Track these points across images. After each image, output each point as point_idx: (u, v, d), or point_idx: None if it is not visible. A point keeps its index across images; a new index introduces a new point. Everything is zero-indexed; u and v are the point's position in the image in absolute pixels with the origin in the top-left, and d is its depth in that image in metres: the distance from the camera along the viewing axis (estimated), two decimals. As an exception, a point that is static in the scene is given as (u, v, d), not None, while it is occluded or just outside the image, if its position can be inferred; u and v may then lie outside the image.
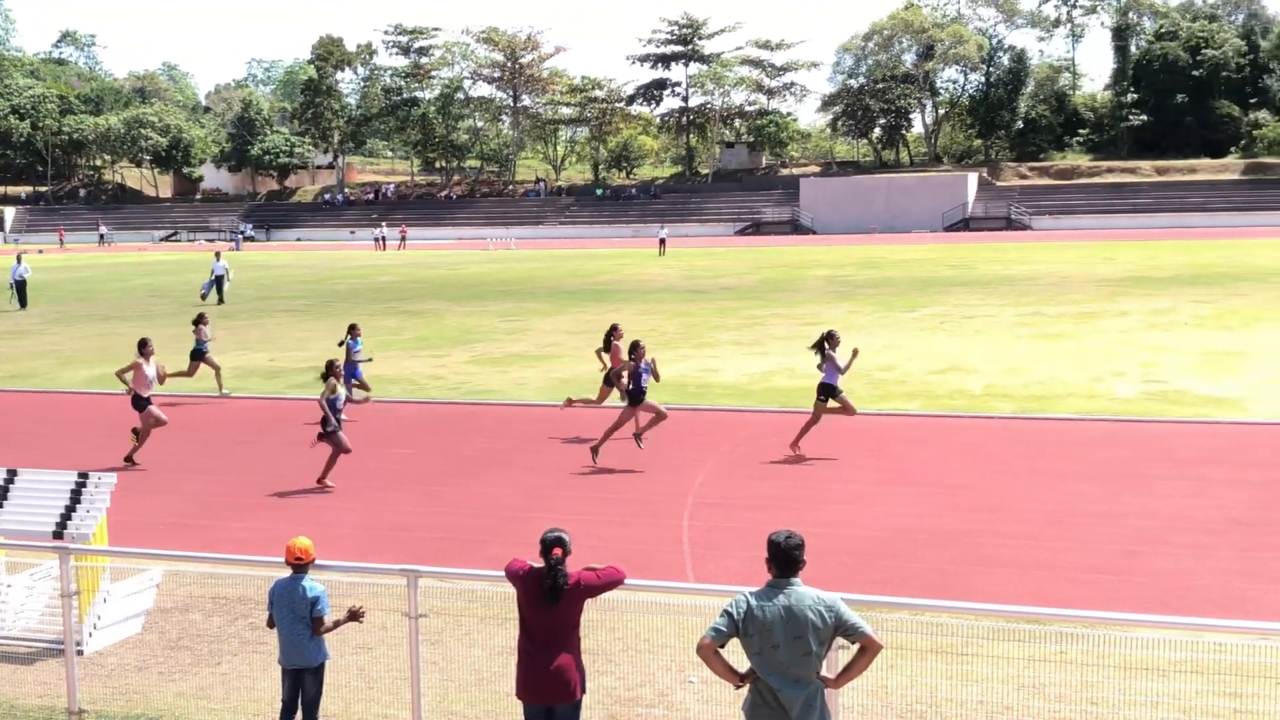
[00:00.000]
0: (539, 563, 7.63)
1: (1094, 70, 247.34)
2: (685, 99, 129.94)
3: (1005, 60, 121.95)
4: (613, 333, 20.23)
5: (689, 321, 36.83)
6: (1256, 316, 33.56)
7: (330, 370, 16.80)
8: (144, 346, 19.07)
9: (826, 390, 17.97)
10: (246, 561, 11.09)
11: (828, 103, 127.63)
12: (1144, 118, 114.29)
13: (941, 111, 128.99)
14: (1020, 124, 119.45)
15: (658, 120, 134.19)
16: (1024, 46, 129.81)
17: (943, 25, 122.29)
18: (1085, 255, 62.38)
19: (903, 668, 9.46)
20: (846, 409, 18.10)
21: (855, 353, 18.34)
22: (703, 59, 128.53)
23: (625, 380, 18.08)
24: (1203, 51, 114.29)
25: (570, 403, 20.45)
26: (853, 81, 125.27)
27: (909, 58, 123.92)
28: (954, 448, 18.45)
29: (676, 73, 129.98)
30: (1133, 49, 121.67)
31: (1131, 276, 48.02)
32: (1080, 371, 25.04)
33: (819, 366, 18.13)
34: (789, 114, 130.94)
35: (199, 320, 25.62)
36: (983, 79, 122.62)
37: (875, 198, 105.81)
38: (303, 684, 8.65)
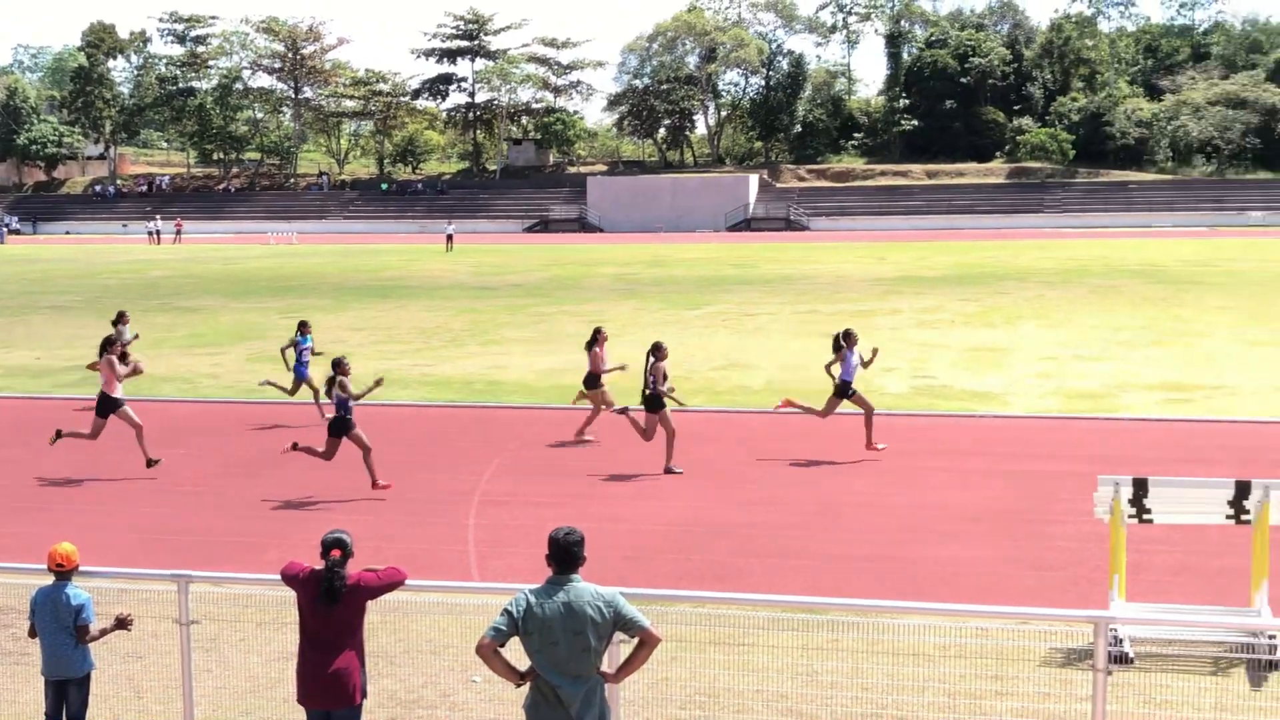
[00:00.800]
0: (320, 565, 7.51)
1: (869, 76, 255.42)
2: (472, 95, 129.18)
3: (784, 64, 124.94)
4: (595, 337, 19.27)
5: (476, 319, 36.66)
6: (1018, 314, 35.22)
7: (339, 368, 15.78)
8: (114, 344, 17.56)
9: (844, 389, 17.74)
10: (6, 569, 10.58)
11: (614, 102, 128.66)
12: (915, 122, 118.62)
13: (724, 113, 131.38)
14: (799, 127, 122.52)
15: (444, 115, 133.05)
16: (802, 51, 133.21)
17: (724, 28, 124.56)
18: (860, 255, 64.41)
19: (684, 660, 9.63)
20: (864, 407, 17.78)
21: (875, 351, 18.32)
22: (489, 55, 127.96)
23: (663, 385, 17.00)
24: (970, 59, 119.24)
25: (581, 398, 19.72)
26: (638, 82, 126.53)
27: (692, 60, 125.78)
28: (734, 442, 18.84)
29: (463, 68, 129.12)
30: (905, 56, 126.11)
31: (903, 276, 49.79)
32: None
33: (828, 368, 17.97)
34: (576, 112, 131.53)
35: None
36: (763, 82, 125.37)
37: (661, 197, 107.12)
38: (67, 696, 8.32)
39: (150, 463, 17.06)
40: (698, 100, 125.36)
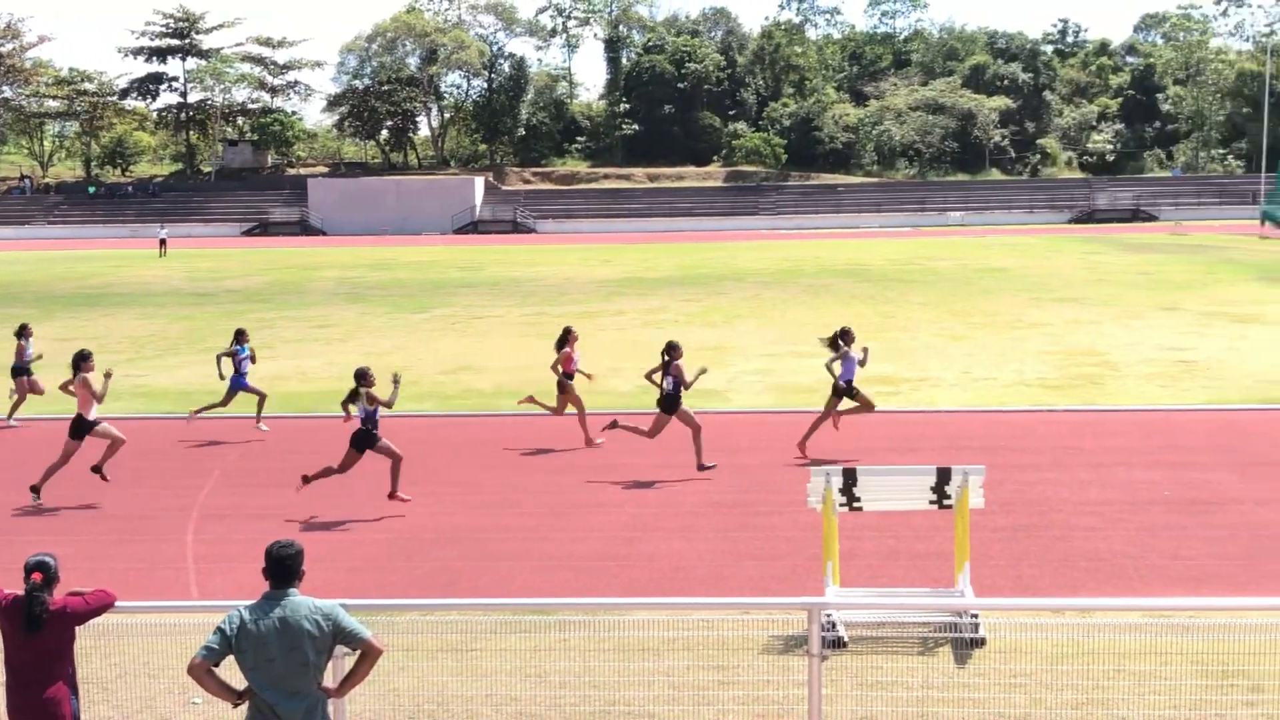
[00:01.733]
0: (22, 591, 7.11)
1: (590, 80, 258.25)
2: (184, 95, 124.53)
3: (506, 67, 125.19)
4: (566, 337, 18.89)
5: (193, 325, 35.34)
6: (737, 313, 36.28)
7: (364, 379, 14.80)
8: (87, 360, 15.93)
9: (845, 389, 17.61)
10: None
11: (333, 103, 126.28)
12: (636, 127, 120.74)
13: (447, 115, 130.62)
14: (522, 130, 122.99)
15: (155, 116, 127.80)
16: (524, 55, 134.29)
17: (445, 30, 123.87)
18: (586, 258, 65.09)
19: (412, 669, 9.52)
20: (865, 406, 17.78)
21: (866, 351, 17.97)
22: (201, 54, 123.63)
23: (688, 380, 16.91)
24: (687, 65, 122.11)
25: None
26: (358, 83, 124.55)
27: (413, 61, 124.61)
28: (463, 446, 18.75)
29: (174, 67, 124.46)
30: (624, 61, 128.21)
31: (628, 278, 50.58)
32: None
33: (829, 365, 17.71)
34: (294, 113, 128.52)
35: None
36: (485, 85, 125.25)
37: (385, 199, 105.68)
38: None
39: (97, 469, 15.81)
40: (420, 102, 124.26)
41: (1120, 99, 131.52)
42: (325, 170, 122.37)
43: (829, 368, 17.78)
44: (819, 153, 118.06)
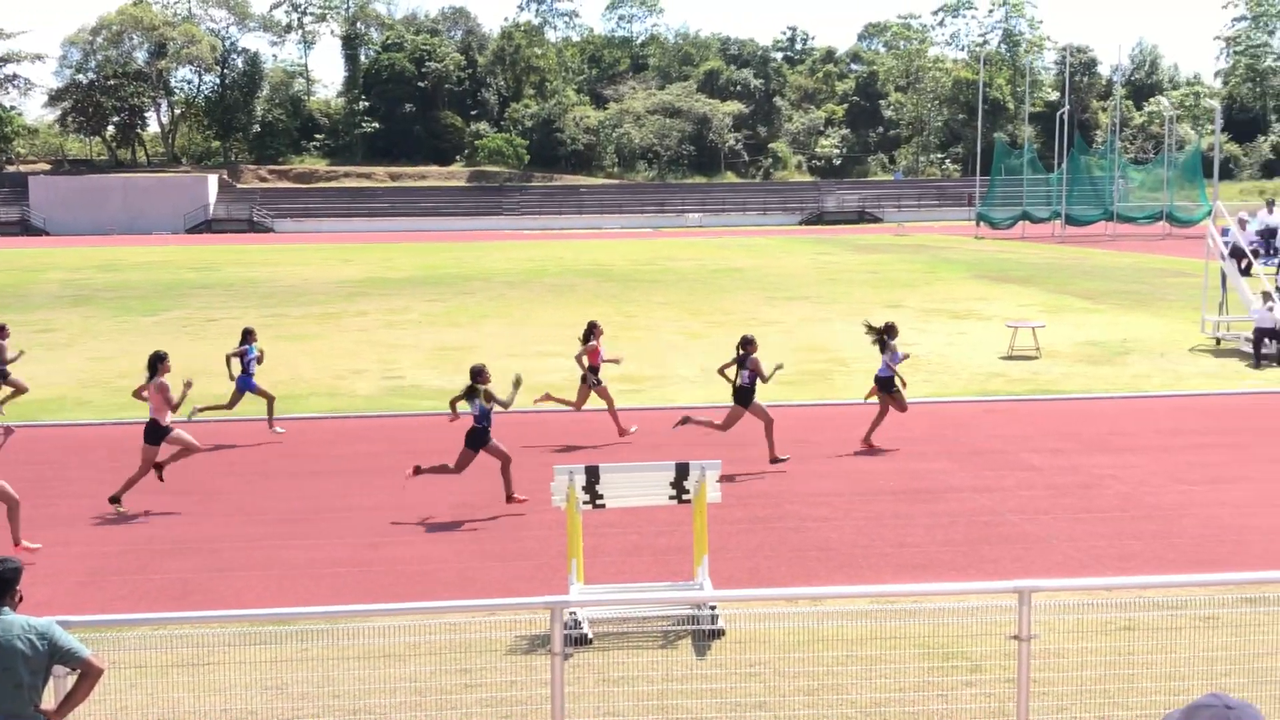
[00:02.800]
0: None
1: (328, 77, 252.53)
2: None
3: (239, 63, 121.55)
4: (592, 330, 18.73)
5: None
6: (482, 313, 36.18)
7: (480, 376, 14.59)
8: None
9: (886, 383, 17.77)
10: None
11: (55, 98, 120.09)
12: (376, 125, 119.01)
13: (178, 111, 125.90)
14: (258, 127, 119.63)
15: None
16: (258, 50, 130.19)
17: (174, 24, 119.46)
18: (326, 257, 63.77)
19: (143, 685, 9.15)
20: (899, 404, 17.87)
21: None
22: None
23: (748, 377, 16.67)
24: (427, 64, 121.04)
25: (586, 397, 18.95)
26: (82, 77, 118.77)
27: (141, 55, 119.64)
28: (200, 453, 18.10)
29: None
30: (363, 58, 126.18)
31: (369, 278, 49.80)
32: (324, 371, 25.61)
33: (885, 359, 17.75)
34: (13, 108, 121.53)
35: None
36: (218, 80, 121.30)
37: (112, 198, 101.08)
38: None
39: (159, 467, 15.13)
40: (149, 97, 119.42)
41: (846, 105, 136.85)
42: (48, 168, 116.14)
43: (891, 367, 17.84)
44: (561, 154, 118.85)
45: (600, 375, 19.02)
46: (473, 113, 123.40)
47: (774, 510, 14.54)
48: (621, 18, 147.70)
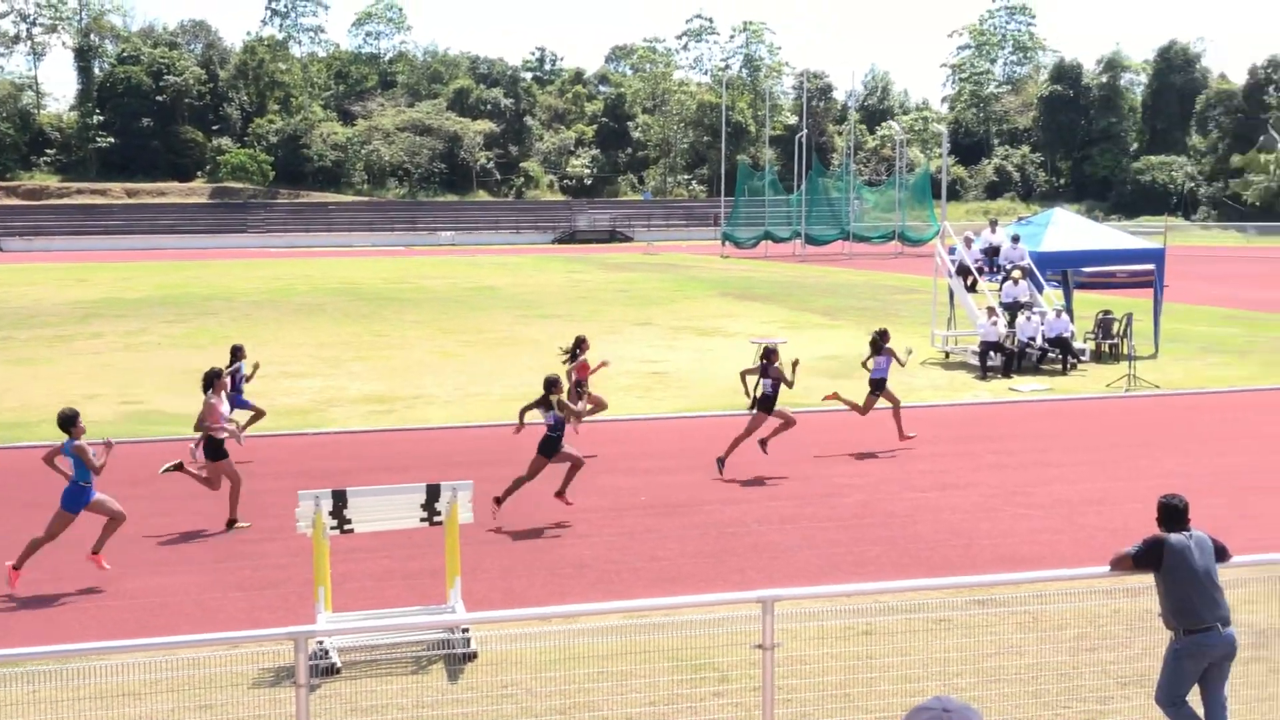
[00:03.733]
0: None
1: (60, 90, 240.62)
2: None
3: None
4: (579, 345, 18.95)
5: None
6: (226, 335, 35.01)
7: (555, 386, 14.85)
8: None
9: (879, 383, 19.35)
10: None
11: None
12: (112, 140, 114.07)
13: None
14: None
15: None
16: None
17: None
18: (59, 277, 60.73)
19: None
20: (894, 402, 19.47)
21: (909, 352, 20.63)
22: None
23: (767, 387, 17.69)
24: (165, 77, 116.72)
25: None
26: None
27: None
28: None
29: None
30: (97, 71, 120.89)
31: (105, 298, 47.65)
32: (56, 396, 24.33)
33: (864, 363, 19.63)
34: None
35: None
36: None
37: None
38: None
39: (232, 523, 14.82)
40: None
41: (595, 126, 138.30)
42: None
43: (865, 365, 19.69)
44: (308, 170, 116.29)
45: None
46: (214, 128, 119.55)
47: (529, 528, 14.55)
48: (369, 34, 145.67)
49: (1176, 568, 8.10)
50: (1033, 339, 27.48)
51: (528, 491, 16.35)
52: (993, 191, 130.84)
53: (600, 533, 14.36)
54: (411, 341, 33.38)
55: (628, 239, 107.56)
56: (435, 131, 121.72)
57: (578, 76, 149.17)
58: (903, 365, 20.36)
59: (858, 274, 62.54)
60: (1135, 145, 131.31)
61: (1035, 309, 28.56)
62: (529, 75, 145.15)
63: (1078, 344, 28.46)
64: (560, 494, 15.18)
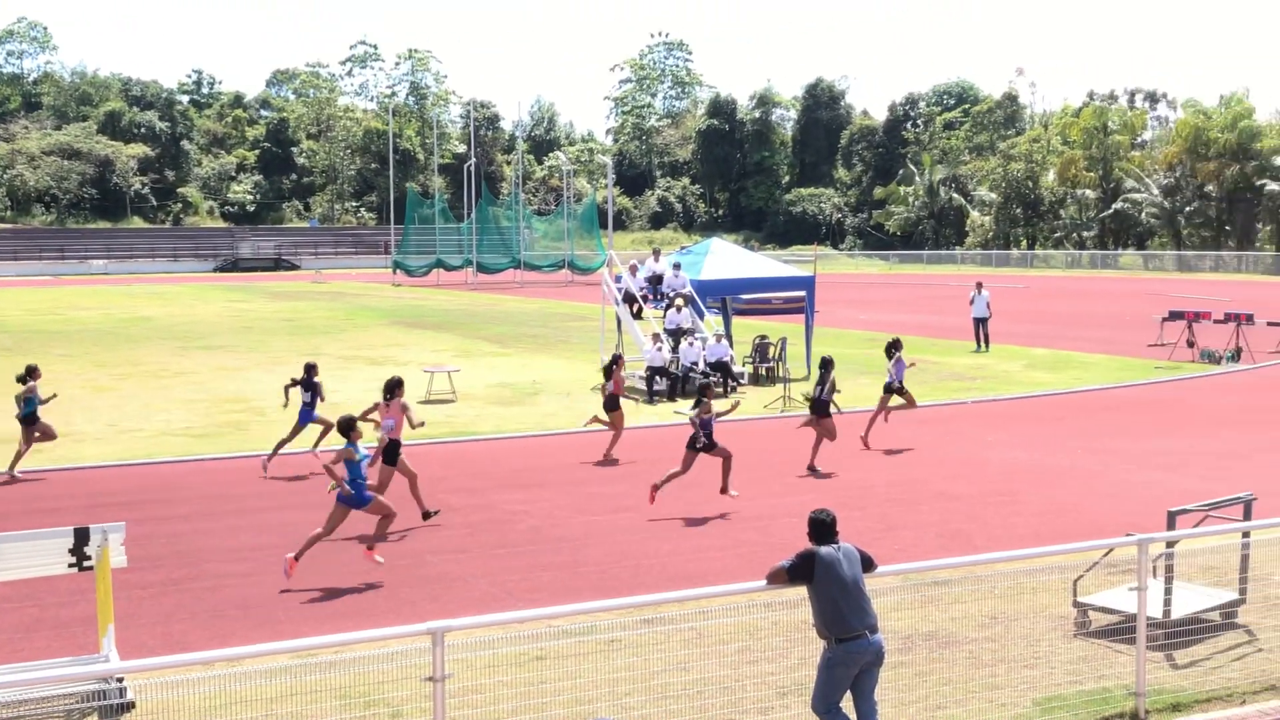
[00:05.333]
0: None
1: None
2: None
3: None
4: (615, 362, 20.81)
5: None
6: None
7: (708, 391, 17.37)
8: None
9: (893, 388, 21.67)
10: None
11: None
12: None
13: None
14: None
15: None
16: None
17: None
18: None
19: None
20: (909, 403, 22.08)
21: (912, 363, 22.69)
22: None
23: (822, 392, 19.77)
24: None
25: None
26: None
27: None
28: None
29: None
30: None
31: None
32: None
33: (890, 369, 21.70)
34: None
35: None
36: None
37: None
38: None
39: (427, 515, 15.86)
40: None
41: (258, 151, 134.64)
42: None
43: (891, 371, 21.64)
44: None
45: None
46: None
47: (190, 570, 13.97)
48: (10, 54, 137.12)
49: (827, 579, 8.54)
50: (695, 364, 28.44)
51: (186, 534, 15.71)
52: (656, 221, 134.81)
53: (266, 570, 13.94)
54: (61, 376, 31.43)
55: (294, 267, 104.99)
56: (85, 155, 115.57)
57: (238, 100, 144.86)
58: (912, 366, 22.50)
59: (529, 302, 63.16)
60: (787, 178, 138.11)
61: (697, 335, 29.59)
62: (185, 98, 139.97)
63: (737, 367, 29.64)
64: (723, 489, 17.03)
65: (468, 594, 13.04)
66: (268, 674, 9.62)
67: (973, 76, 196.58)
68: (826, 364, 20.01)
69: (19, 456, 19.29)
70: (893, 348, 21.98)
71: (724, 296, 31.99)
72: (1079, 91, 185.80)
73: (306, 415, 19.84)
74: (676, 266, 31.48)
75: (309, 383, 19.96)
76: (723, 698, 9.82)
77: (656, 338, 28.48)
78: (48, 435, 19.64)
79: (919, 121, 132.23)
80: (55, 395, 20.76)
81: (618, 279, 32.40)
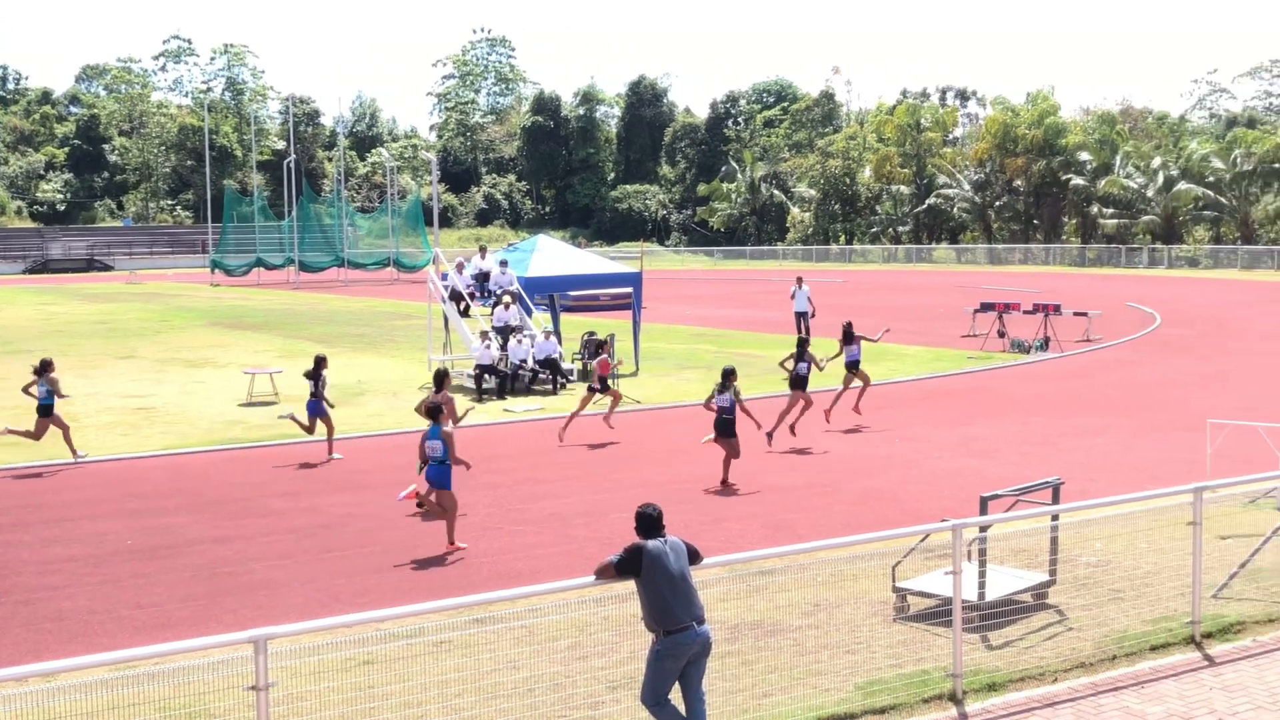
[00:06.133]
0: None
1: None
2: None
3: None
4: (602, 345, 23.74)
5: None
6: None
7: (733, 375, 18.19)
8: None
9: (854, 365, 23.50)
10: None
11: None
12: None
13: None
14: None
15: None
16: None
17: None
18: None
19: None
20: (865, 380, 23.74)
21: (887, 330, 26.26)
22: None
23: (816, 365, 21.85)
24: None
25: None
26: None
27: None
28: None
29: None
30: None
31: None
32: None
33: (851, 350, 23.47)
34: None
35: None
36: None
37: None
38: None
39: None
40: None
41: (68, 148, 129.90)
42: None
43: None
44: None
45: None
46: None
47: (0, 584, 13.45)
48: None
49: (654, 572, 8.65)
50: (524, 361, 28.41)
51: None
52: (483, 218, 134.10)
53: (81, 582, 13.49)
54: None
55: (108, 268, 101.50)
56: None
57: (45, 96, 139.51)
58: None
59: (354, 300, 62.25)
60: (613, 175, 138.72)
61: (525, 332, 29.57)
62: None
63: (566, 364, 29.70)
64: (724, 481, 17.94)
65: (292, 601, 12.83)
66: (84, 688, 9.32)
67: (791, 75, 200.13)
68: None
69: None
70: (849, 330, 23.83)
71: (552, 293, 32.00)
72: (893, 90, 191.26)
73: (315, 407, 20.72)
74: (503, 263, 31.39)
75: (316, 374, 20.79)
76: (554, 695, 9.86)
77: (485, 335, 28.35)
78: (41, 431, 20.51)
79: (740, 119, 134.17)
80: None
81: (444, 277, 32.17)
